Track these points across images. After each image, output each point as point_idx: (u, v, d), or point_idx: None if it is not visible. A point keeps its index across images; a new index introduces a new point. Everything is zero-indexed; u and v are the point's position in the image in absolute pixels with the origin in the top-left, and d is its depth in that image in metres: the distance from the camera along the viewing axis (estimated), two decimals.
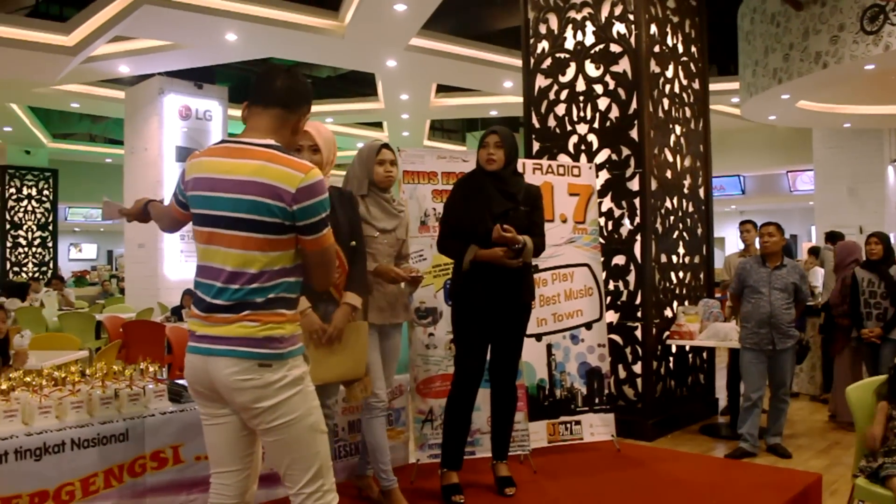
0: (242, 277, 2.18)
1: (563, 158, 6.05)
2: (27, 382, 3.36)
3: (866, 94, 9.89)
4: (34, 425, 3.15)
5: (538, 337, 4.58)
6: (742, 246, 6.88)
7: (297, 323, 2.29)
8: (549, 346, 4.61)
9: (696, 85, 6.65)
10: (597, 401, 4.69)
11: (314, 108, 13.05)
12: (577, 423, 4.64)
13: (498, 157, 3.71)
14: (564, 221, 4.75)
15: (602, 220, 5.85)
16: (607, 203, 5.89)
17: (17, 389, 3.33)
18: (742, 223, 6.84)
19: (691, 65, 6.58)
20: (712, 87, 11.69)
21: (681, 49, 6.43)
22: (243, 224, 2.17)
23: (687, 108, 6.48)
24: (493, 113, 14.58)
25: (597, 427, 4.66)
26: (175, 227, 2.55)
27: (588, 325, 4.73)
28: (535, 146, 6.33)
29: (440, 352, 4.14)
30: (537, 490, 3.89)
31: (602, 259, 5.72)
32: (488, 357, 3.77)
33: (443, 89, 13.68)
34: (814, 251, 9.32)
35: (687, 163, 6.43)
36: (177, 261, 11.70)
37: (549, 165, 4.81)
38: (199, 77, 11.93)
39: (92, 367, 3.62)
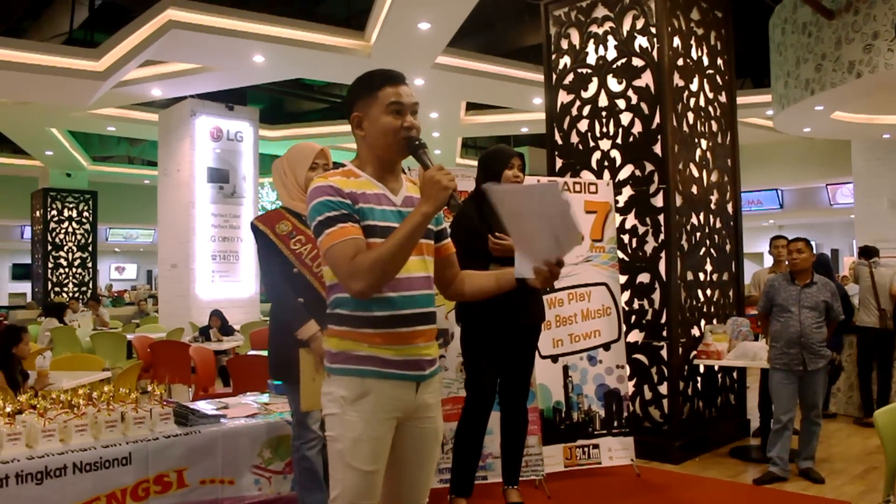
0: None
1: (586, 175, 5.95)
2: (33, 406, 3.37)
3: None
4: (37, 448, 3.15)
5: (554, 358, 4.48)
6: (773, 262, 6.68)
7: (353, 340, 2.16)
8: (565, 368, 4.50)
9: (722, 98, 6.50)
10: (615, 424, 4.56)
11: (344, 128, 13.14)
12: (595, 446, 4.51)
13: (522, 179, 3.71)
14: (581, 240, 4.64)
15: (626, 238, 5.73)
16: (631, 220, 5.77)
17: (24, 412, 3.35)
18: (774, 238, 6.64)
19: (717, 77, 6.43)
20: (746, 100, 11.61)
21: (706, 61, 6.30)
22: None
23: (713, 122, 6.33)
24: (525, 130, 14.54)
25: (616, 451, 4.53)
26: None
27: (606, 346, 4.61)
28: (559, 163, 6.24)
29: (451, 374, 4.06)
30: None
31: (626, 277, 5.62)
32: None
33: (473, 107, 13.68)
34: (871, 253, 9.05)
35: (714, 178, 6.27)
36: (208, 281, 11.83)
37: (566, 183, 4.72)
38: (230, 99, 12.10)
39: (99, 390, 3.61)
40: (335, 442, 2.15)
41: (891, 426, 3.43)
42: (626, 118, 5.85)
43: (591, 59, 6.07)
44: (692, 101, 6.06)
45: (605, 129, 5.96)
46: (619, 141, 5.87)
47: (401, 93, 2.22)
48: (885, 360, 6.85)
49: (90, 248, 17.82)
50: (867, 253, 7.24)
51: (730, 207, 6.47)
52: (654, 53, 5.72)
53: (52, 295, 16.75)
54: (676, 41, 5.89)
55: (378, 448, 2.15)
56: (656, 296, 5.63)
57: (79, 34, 11.18)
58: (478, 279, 2.45)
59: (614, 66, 5.92)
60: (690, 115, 6.01)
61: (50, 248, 17.15)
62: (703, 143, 6.17)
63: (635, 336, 5.65)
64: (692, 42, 6.12)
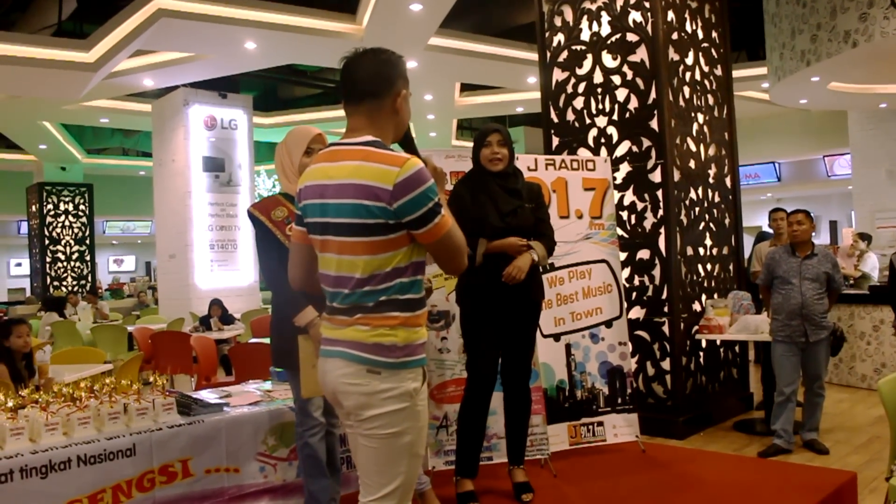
0: (352, 282, 2.10)
1: (583, 152, 5.92)
2: (36, 400, 3.35)
3: None
4: (41, 443, 3.13)
5: (556, 337, 4.46)
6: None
7: (417, 328, 2.12)
8: (568, 346, 4.48)
9: (718, 71, 6.45)
10: (619, 401, 4.55)
11: (338, 114, 12.96)
12: (600, 424, 4.50)
13: (503, 156, 3.65)
14: (580, 217, 4.62)
15: (625, 214, 5.71)
16: (629, 196, 5.75)
17: (26, 407, 3.33)
18: (773, 211, 6.63)
19: (712, 51, 6.39)
20: (742, 73, 11.51)
21: (701, 35, 6.25)
22: (349, 228, 2.08)
23: (709, 96, 6.30)
24: (520, 109, 14.45)
25: (620, 428, 4.52)
26: (310, 264, 2.32)
27: (608, 323, 4.59)
28: (555, 141, 6.21)
29: (453, 356, 4.05)
30: (557, 495, 3.78)
31: (626, 254, 5.61)
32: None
33: (467, 88, 13.60)
34: (865, 237, 9.02)
35: (711, 152, 6.25)
36: (207, 270, 11.81)
37: (563, 160, 4.68)
38: (223, 87, 12.03)
39: (100, 382, 3.59)
40: (401, 436, 2.07)
41: (894, 396, 3.43)
42: (621, 94, 5.81)
43: (585, 35, 6.02)
44: (688, 75, 6.01)
45: (600, 106, 5.92)
46: (615, 117, 5.84)
47: None
48: None
49: (88, 242, 17.78)
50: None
51: (728, 181, 6.45)
52: (649, 28, 5.67)
53: (51, 289, 16.74)
54: (670, 15, 5.84)
55: None
56: (657, 272, 5.61)
57: (68, 25, 11.07)
58: None
59: (608, 41, 5.88)
60: (686, 90, 5.97)
61: (47, 242, 17.11)
62: (700, 117, 6.14)
63: (637, 312, 5.65)
64: (686, 15, 6.07)
